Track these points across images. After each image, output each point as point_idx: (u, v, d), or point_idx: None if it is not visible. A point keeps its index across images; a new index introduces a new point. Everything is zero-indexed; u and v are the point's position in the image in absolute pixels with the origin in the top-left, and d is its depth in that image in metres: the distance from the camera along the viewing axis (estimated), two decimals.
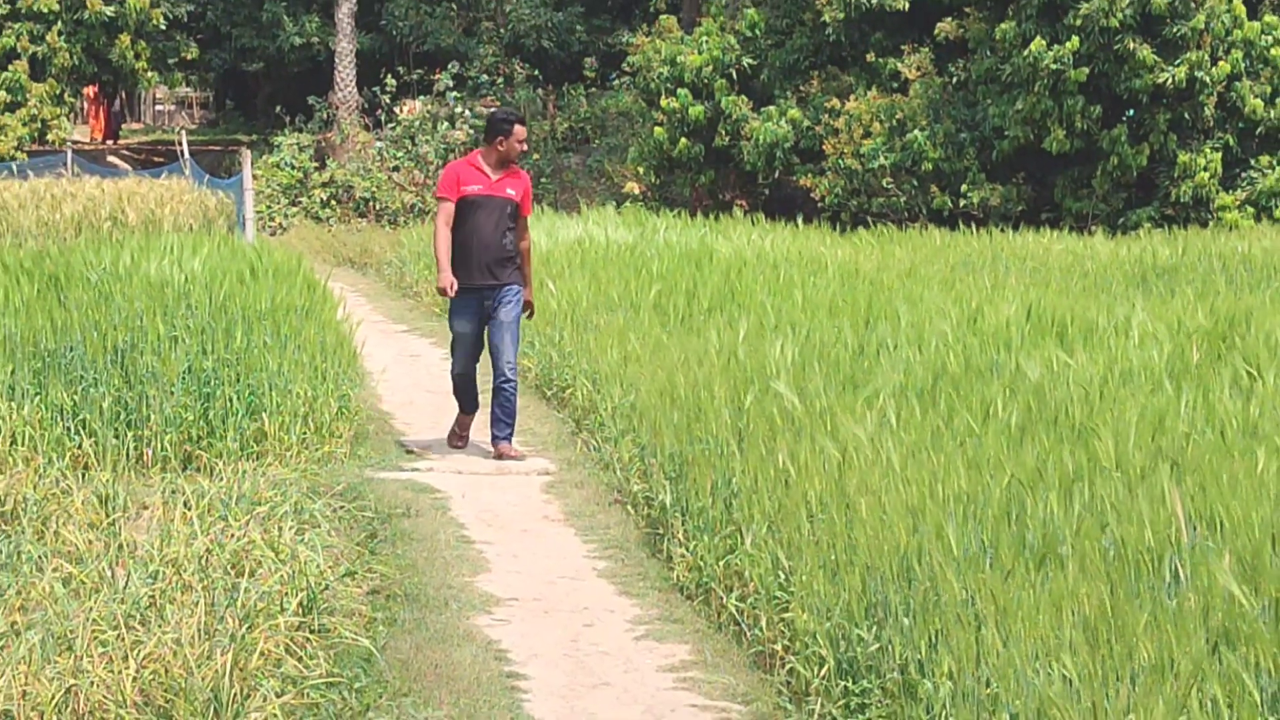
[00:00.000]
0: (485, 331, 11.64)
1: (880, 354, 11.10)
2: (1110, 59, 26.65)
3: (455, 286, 11.41)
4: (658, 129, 30.50)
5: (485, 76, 39.02)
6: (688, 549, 8.72)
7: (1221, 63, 26.73)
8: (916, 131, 27.74)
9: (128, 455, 10.70)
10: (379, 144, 35.89)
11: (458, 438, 12.12)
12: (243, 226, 27.43)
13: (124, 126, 57.11)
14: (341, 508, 9.52)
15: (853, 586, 6.74)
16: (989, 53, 27.79)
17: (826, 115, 28.80)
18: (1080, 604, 5.69)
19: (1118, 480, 7.17)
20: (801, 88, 29.82)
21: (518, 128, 11.68)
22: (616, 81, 38.36)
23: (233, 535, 7.68)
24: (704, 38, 30.73)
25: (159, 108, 66.91)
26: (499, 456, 11.61)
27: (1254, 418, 8.42)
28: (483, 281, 11.48)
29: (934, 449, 7.97)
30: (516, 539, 9.56)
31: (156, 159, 40.62)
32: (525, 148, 11.92)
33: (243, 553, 7.51)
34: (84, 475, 9.65)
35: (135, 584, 6.75)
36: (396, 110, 37.24)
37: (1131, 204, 27.69)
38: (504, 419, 11.65)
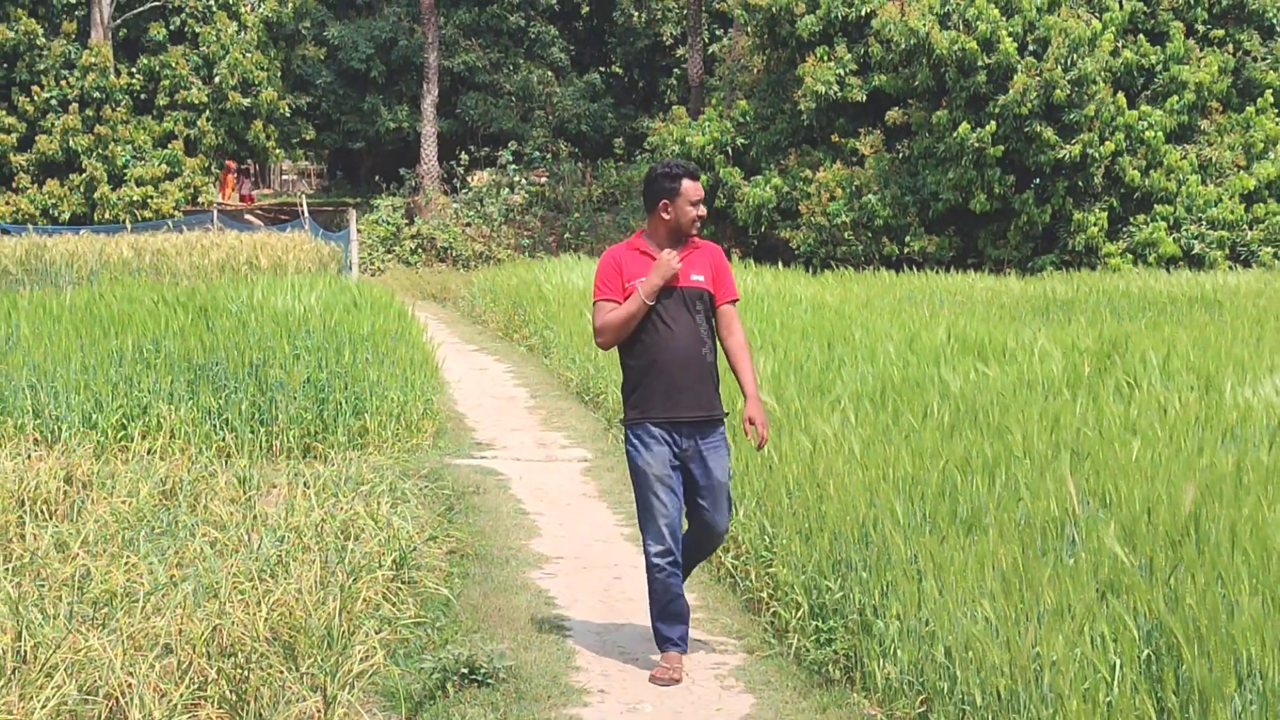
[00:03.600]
0: (683, 482, 6.33)
1: (841, 368, 11.08)
2: (1021, 139, 26.61)
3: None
4: None
5: (537, 152, 39.11)
6: None
7: (1108, 142, 26.69)
8: (871, 195, 27.70)
9: (260, 446, 10.73)
10: (455, 205, 36.02)
11: (665, 671, 6.20)
12: (349, 269, 27.53)
13: (257, 192, 57.18)
14: (426, 487, 9.52)
15: (822, 548, 6.73)
16: (927, 134, 27.75)
17: (801, 183, 28.81)
18: (998, 562, 5.67)
19: (1027, 466, 7.15)
20: (782, 161, 29.80)
21: (685, 183, 6.25)
22: (639, 156, 38.41)
23: (342, 508, 7.70)
24: (706, 123, 30.74)
25: (285, 177, 66.95)
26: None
27: (1133, 418, 8.39)
28: (685, 414, 6.23)
29: (884, 441, 7.95)
30: (562, 511, 9.56)
31: (283, 217, 40.60)
32: (703, 212, 6.32)
33: (349, 522, 7.53)
34: (226, 462, 9.69)
35: (266, 546, 6.76)
36: (468, 179, 37.45)
37: (1038, 252, 27.65)
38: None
